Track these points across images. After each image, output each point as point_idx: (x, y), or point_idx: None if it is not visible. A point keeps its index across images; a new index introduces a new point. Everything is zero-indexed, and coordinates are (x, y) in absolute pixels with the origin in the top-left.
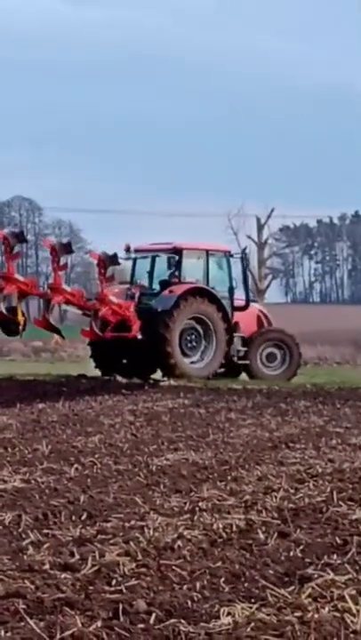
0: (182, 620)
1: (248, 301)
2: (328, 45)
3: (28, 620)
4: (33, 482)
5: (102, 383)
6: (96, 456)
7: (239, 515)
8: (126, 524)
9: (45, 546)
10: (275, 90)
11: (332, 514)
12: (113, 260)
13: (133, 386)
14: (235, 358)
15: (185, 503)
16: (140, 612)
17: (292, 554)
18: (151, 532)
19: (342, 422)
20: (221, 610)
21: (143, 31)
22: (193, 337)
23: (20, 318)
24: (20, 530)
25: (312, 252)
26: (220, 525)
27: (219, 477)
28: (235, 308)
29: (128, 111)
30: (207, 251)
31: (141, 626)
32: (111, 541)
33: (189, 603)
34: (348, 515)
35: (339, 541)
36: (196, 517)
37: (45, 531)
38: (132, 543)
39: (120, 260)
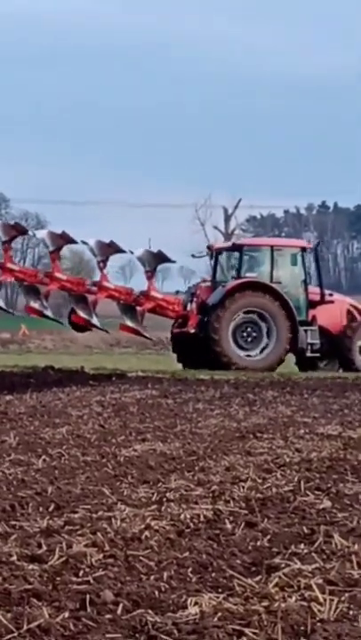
0: (150, 611)
1: (323, 295)
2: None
3: None
4: (0, 473)
5: (70, 375)
6: (64, 447)
7: (207, 505)
8: (94, 515)
9: (12, 537)
10: (241, 79)
11: (299, 503)
12: (161, 257)
13: (101, 377)
14: (307, 352)
15: (153, 494)
16: (107, 602)
17: (259, 543)
18: (119, 522)
19: (310, 412)
20: (189, 600)
21: (97, 19)
22: (250, 330)
23: None
24: None
25: None
26: (188, 516)
27: (186, 468)
28: (312, 302)
29: (95, 99)
30: (272, 246)
31: (109, 616)
32: (79, 532)
33: (157, 593)
34: (315, 504)
35: (306, 531)
36: (163, 508)
37: (13, 522)
38: (99, 534)
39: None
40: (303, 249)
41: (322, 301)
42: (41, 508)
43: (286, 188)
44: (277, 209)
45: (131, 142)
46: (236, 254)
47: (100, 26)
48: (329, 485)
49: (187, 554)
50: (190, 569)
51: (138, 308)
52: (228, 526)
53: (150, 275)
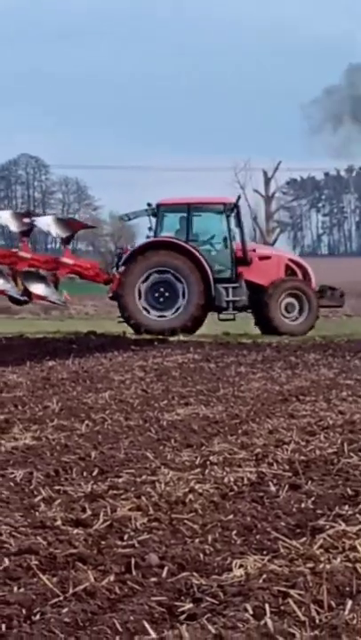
0: (195, 573)
1: (245, 251)
2: None
3: (41, 575)
4: (44, 439)
5: (112, 340)
6: (107, 412)
7: (250, 468)
8: (138, 479)
9: (57, 502)
10: (277, 43)
11: (343, 465)
12: (74, 224)
13: (143, 342)
14: (229, 309)
15: (196, 457)
16: (152, 565)
17: (303, 506)
18: (163, 486)
19: (352, 374)
20: (233, 562)
21: None
22: (163, 290)
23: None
24: (31, 487)
25: (320, 205)
26: (232, 479)
27: (229, 431)
28: (244, 259)
29: (133, 68)
30: (188, 205)
31: (154, 579)
32: (123, 496)
33: (201, 556)
34: (358, 466)
35: (350, 492)
36: (207, 471)
37: (57, 487)
38: (143, 498)
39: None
40: (226, 206)
41: (261, 257)
42: (85, 473)
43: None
44: (317, 171)
45: (170, 107)
46: (165, 213)
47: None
48: None
49: (231, 516)
50: (235, 531)
51: (51, 276)
52: (272, 489)
53: (66, 241)
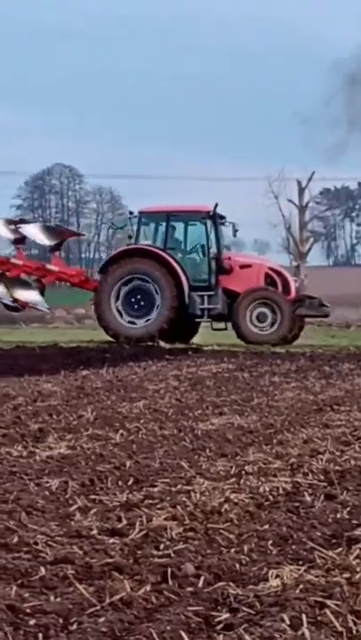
0: (231, 583)
1: (219, 260)
2: None
3: (78, 585)
4: (79, 448)
5: (145, 349)
6: (141, 421)
7: (285, 477)
8: (173, 489)
9: (93, 511)
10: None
11: None
12: (60, 231)
13: (177, 351)
14: (204, 317)
15: (231, 467)
16: (188, 575)
17: (339, 516)
18: (198, 495)
19: None
20: (270, 572)
21: None
22: (139, 298)
23: None
24: (67, 496)
25: (353, 215)
26: (267, 488)
27: (264, 441)
28: (224, 268)
29: (167, 76)
30: (167, 213)
31: (190, 589)
32: (158, 506)
33: (238, 566)
34: None
35: None
36: (242, 481)
37: (92, 496)
38: (179, 507)
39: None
40: (205, 214)
41: (242, 266)
42: (120, 482)
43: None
44: (351, 181)
45: (203, 117)
46: (144, 221)
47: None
48: None
49: (267, 526)
50: (270, 541)
51: (37, 283)
52: (308, 499)
53: (54, 249)
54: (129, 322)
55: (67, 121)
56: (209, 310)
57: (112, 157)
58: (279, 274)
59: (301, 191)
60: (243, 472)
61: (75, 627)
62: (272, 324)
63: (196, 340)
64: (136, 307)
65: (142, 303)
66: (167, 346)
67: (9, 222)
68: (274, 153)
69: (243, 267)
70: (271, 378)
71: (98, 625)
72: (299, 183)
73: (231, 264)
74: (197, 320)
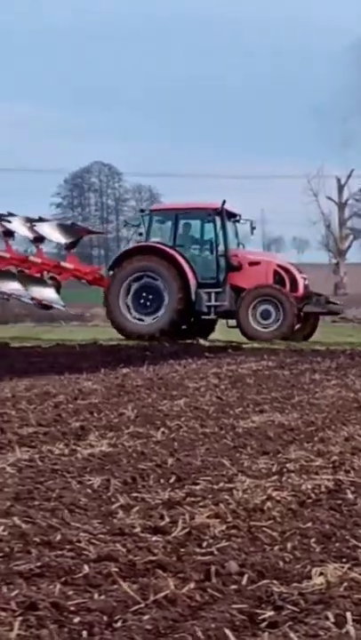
0: (274, 581)
1: (227, 256)
2: None
3: (122, 582)
4: (120, 446)
5: (185, 347)
6: (182, 419)
7: (327, 475)
8: (215, 487)
9: (135, 509)
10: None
11: None
12: (76, 229)
13: (217, 349)
14: (211, 314)
15: (272, 465)
16: (232, 573)
17: None
18: (240, 493)
19: None
20: (313, 570)
21: None
22: (147, 295)
23: None
24: (109, 494)
25: None
26: (309, 486)
27: (305, 438)
28: (234, 265)
29: (204, 74)
30: (176, 210)
31: (234, 587)
32: (200, 504)
33: (281, 563)
34: None
35: None
36: (284, 479)
37: (134, 494)
38: (221, 505)
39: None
40: (213, 211)
41: (251, 263)
42: (162, 480)
43: None
44: None
45: (243, 116)
46: (155, 219)
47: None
48: None
49: (309, 524)
50: (314, 539)
51: (53, 281)
52: (350, 496)
53: (70, 247)
54: (137, 319)
55: (106, 120)
56: (216, 307)
57: (151, 156)
58: (287, 271)
59: (341, 188)
60: (284, 470)
61: (119, 624)
62: (276, 322)
63: (213, 337)
64: (145, 304)
65: (151, 301)
66: (207, 344)
67: (28, 220)
68: (313, 150)
69: (252, 264)
70: (312, 375)
71: (142, 622)
72: (338, 180)
73: (240, 261)
74: (203, 317)
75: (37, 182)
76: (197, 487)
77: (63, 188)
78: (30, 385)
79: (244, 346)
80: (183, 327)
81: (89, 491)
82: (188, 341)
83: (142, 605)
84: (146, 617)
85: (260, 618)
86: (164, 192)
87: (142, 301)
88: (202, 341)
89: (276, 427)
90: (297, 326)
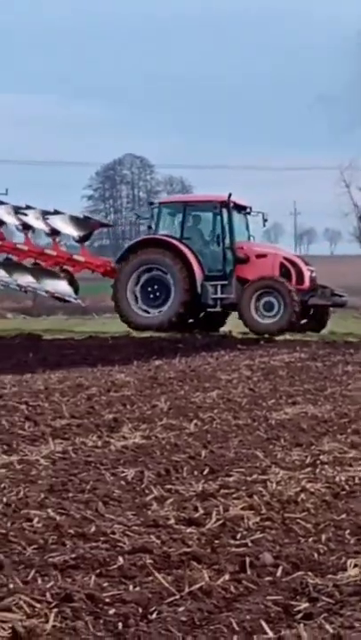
0: (309, 573)
1: (233, 249)
2: None
3: (157, 574)
4: (153, 438)
5: (218, 339)
6: (215, 411)
7: None
8: (248, 479)
9: (169, 501)
10: None
11: None
12: (89, 222)
13: (249, 341)
14: (217, 307)
15: (306, 456)
16: (266, 565)
17: None
18: (274, 485)
19: None
20: (348, 562)
21: None
22: (155, 288)
23: None
24: (143, 485)
25: None
26: (343, 478)
27: (339, 430)
28: (241, 257)
29: (238, 74)
30: (184, 203)
31: (269, 579)
32: (234, 495)
33: (316, 555)
34: None
35: None
36: (317, 470)
37: (168, 486)
38: (255, 497)
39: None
40: (220, 204)
41: (258, 255)
42: (195, 472)
43: None
44: None
45: (273, 109)
46: (164, 211)
47: None
48: None
49: (344, 516)
50: (348, 531)
51: (65, 274)
52: None
53: (83, 239)
54: (144, 310)
55: (137, 112)
56: (222, 300)
57: (183, 148)
58: (294, 263)
59: None
60: (318, 461)
61: (154, 616)
62: (278, 314)
63: (225, 329)
64: (152, 296)
65: (159, 293)
66: (240, 335)
67: (44, 213)
68: (345, 142)
69: (258, 256)
70: (344, 367)
71: (177, 614)
72: None
73: (247, 253)
74: (209, 310)
75: (70, 175)
76: (231, 479)
77: (95, 180)
78: (63, 377)
79: (276, 338)
80: (190, 320)
81: (123, 483)
82: (221, 333)
83: (177, 597)
84: (181, 608)
85: (295, 609)
86: (196, 184)
87: (150, 294)
88: (234, 333)
89: (309, 418)
90: (304, 320)
